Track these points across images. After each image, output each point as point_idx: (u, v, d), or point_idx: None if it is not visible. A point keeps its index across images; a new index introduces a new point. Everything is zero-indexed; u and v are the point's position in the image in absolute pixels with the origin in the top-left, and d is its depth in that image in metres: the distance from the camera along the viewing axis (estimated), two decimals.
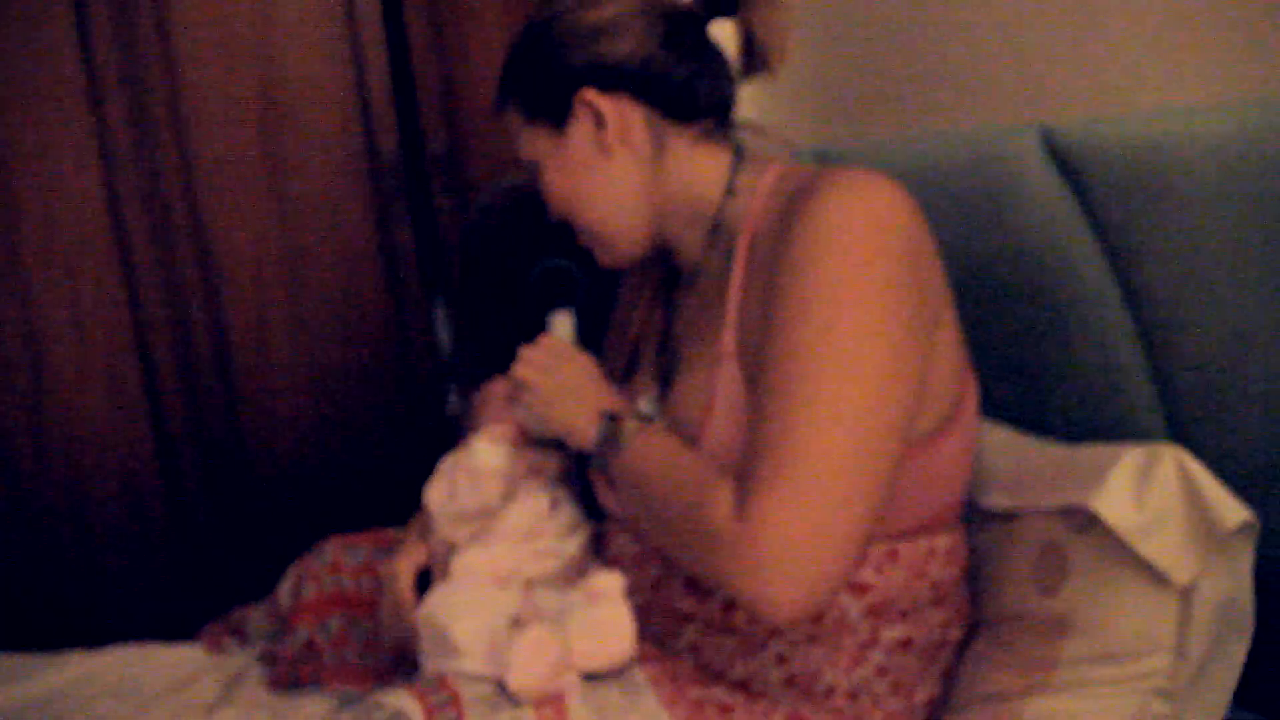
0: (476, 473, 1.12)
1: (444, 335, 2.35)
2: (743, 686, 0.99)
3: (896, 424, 0.85)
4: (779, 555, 0.80)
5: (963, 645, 1.04)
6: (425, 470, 1.18)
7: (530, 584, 1.08)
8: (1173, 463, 0.92)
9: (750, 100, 1.13)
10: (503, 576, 1.06)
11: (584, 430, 1.03)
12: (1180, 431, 1.01)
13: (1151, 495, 0.91)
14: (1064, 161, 1.07)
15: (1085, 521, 0.95)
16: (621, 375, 1.17)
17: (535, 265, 1.33)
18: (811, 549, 0.81)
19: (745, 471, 0.85)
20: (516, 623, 0.99)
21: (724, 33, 1.04)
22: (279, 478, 2.24)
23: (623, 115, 1.01)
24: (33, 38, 2.02)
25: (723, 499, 0.85)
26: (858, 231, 0.85)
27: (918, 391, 0.88)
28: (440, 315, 2.35)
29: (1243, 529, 0.91)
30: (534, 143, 1.06)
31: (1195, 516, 0.90)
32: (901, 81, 1.56)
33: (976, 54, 1.40)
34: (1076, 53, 1.25)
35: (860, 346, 0.83)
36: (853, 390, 0.83)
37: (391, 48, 2.20)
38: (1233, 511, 0.89)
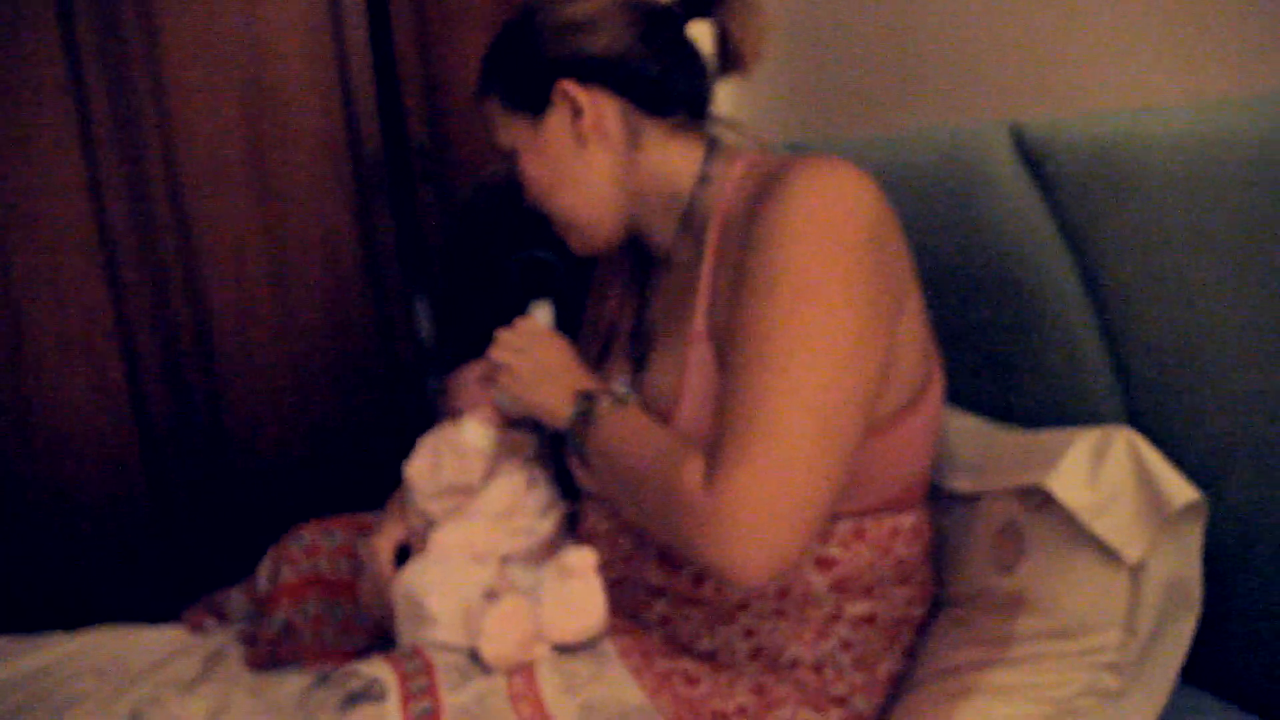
0: (464, 451, 1.14)
1: (424, 327, 2.36)
2: (710, 658, 1.01)
3: (860, 401, 0.88)
4: (746, 524, 0.83)
5: (925, 623, 1.07)
6: (404, 459, 1.19)
7: (505, 561, 1.10)
8: (1125, 444, 0.95)
9: (726, 98, 1.15)
10: (479, 553, 1.08)
11: (559, 409, 1.05)
12: (1139, 419, 1.03)
13: (1104, 475, 0.94)
14: (1032, 158, 1.09)
15: (1042, 501, 0.98)
16: (596, 360, 1.19)
17: (516, 256, 1.35)
18: (776, 518, 0.83)
19: (715, 445, 0.87)
20: (490, 596, 1.01)
21: (701, 32, 1.07)
22: (260, 467, 2.24)
23: (599, 106, 1.03)
24: (15, 29, 2.01)
25: (693, 471, 0.87)
26: (824, 216, 0.87)
27: (882, 370, 0.91)
28: (421, 307, 2.36)
29: (1190, 509, 0.93)
30: (512, 131, 1.08)
31: (1145, 496, 0.92)
32: (874, 79, 1.58)
33: (948, 52, 1.42)
34: (1047, 52, 1.27)
35: (825, 326, 0.85)
36: (818, 368, 0.85)
37: (376, 41, 2.20)
38: (1180, 491, 0.91)
